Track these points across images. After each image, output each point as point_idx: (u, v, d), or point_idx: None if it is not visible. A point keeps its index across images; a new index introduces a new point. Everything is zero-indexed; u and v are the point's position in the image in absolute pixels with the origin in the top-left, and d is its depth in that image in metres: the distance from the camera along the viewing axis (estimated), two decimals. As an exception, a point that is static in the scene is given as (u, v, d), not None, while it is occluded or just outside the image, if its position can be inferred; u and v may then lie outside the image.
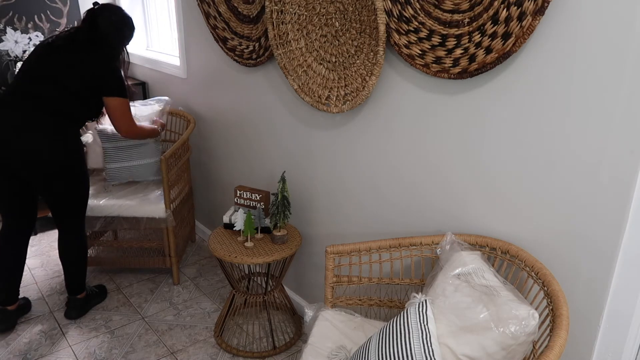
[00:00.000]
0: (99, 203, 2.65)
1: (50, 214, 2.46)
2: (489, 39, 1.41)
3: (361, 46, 1.79)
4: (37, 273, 2.94)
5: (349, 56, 1.85)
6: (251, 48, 2.37)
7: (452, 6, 1.48)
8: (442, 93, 1.64)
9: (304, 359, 1.60)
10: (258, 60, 2.35)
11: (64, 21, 3.53)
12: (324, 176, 2.23)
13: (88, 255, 2.56)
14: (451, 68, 1.53)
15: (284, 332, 2.44)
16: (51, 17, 3.48)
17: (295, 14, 1.98)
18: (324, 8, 1.89)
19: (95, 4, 2.35)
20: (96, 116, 2.44)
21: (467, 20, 1.45)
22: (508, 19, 1.35)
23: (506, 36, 1.37)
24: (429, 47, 1.57)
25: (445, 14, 1.50)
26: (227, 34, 2.50)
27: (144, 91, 3.61)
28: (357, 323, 1.76)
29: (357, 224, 2.12)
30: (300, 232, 2.41)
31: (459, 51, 1.50)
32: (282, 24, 2.03)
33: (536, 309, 1.33)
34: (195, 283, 2.87)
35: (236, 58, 2.49)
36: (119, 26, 2.36)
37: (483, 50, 1.43)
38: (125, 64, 2.46)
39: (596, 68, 1.26)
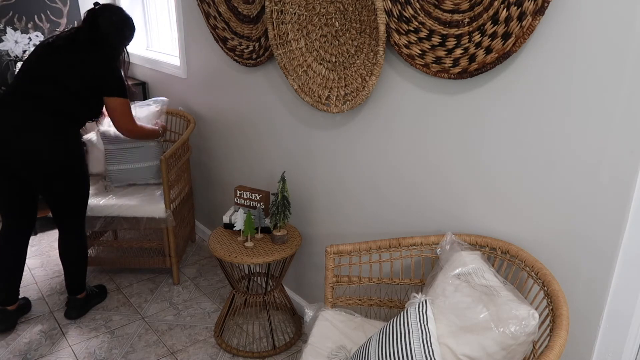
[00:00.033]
0: (99, 203, 2.65)
1: (50, 214, 2.46)
2: (489, 39, 1.41)
3: (361, 46, 1.79)
4: (37, 273, 2.94)
5: (349, 56, 1.85)
6: (251, 48, 2.37)
7: (452, 6, 1.48)
8: (442, 93, 1.64)
9: (304, 359, 1.60)
10: (258, 60, 2.35)
11: (64, 21, 3.53)
12: (324, 176, 2.23)
13: (88, 255, 2.56)
14: (451, 68, 1.53)
15: (284, 332, 2.44)
16: (51, 17, 3.48)
17: (295, 14, 1.98)
18: (324, 8, 1.89)
19: (96, 4, 2.35)
20: (96, 116, 2.44)
21: (467, 20, 1.45)
22: (508, 19, 1.35)
23: (506, 36, 1.37)
24: (429, 47, 1.57)
25: (445, 14, 1.50)
26: (227, 34, 2.50)
27: (144, 91, 3.61)
28: (357, 323, 1.76)
29: (357, 224, 2.12)
30: (300, 232, 2.41)
31: (459, 51, 1.50)
32: (282, 24, 2.03)
33: (536, 309, 1.33)
34: (195, 283, 2.87)
35: (236, 58, 2.49)
36: (120, 26, 2.36)
37: (483, 50, 1.43)
38: (126, 64, 2.46)
39: (596, 68, 1.26)
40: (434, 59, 1.57)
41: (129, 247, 2.97)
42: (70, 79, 2.22)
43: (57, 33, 2.37)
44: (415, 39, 1.60)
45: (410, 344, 1.31)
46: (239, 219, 2.22)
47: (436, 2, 1.52)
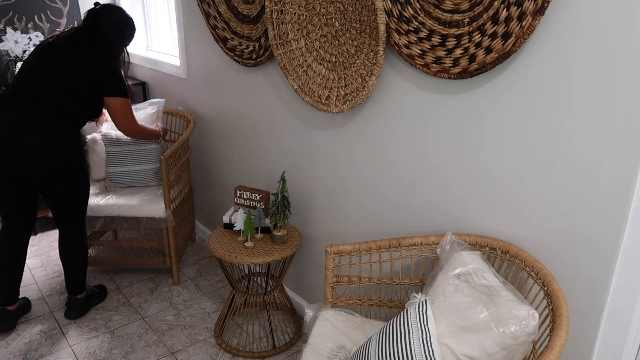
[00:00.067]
0: (99, 203, 2.65)
1: (50, 214, 2.46)
2: (489, 39, 1.41)
3: (361, 46, 1.79)
4: (37, 273, 2.94)
5: (349, 56, 1.85)
6: (251, 48, 2.37)
7: (452, 6, 1.48)
8: (442, 93, 1.64)
9: (304, 359, 1.60)
10: (258, 60, 2.35)
11: (64, 21, 3.53)
12: (324, 176, 2.23)
13: (88, 255, 2.56)
14: (451, 68, 1.53)
15: (284, 332, 2.44)
16: (51, 17, 3.48)
17: (295, 14, 1.98)
18: (324, 8, 1.89)
19: (96, 4, 2.35)
20: (97, 116, 2.44)
21: (467, 20, 1.45)
22: (508, 19, 1.35)
23: (506, 36, 1.37)
24: (429, 47, 1.57)
25: (445, 14, 1.50)
26: (227, 34, 2.50)
27: (144, 91, 3.61)
28: (357, 323, 1.76)
29: (357, 224, 2.12)
30: (300, 232, 2.41)
31: (459, 51, 1.50)
32: (282, 24, 2.03)
33: (536, 309, 1.33)
34: (195, 283, 2.87)
35: (236, 58, 2.49)
36: (120, 26, 2.36)
37: (483, 50, 1.43)
38: (126, 64, 2.46)
39: (596, 68, 1.26)
40: (434, 59, 1.57)
41: (129, 247, 2.97)
42: (71, 79, 2.22)
43: (57, 33, 2.37)
44: (415, 39, 1.60)
45: (410, 344, 1.31)
46: (239, 219, 2.22)
47: (436, 2, 1.52)
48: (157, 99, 3.05)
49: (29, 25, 3.40)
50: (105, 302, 2.69)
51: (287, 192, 2.17)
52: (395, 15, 1.64)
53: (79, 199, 2.38)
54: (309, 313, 1.82)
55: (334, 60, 1.92)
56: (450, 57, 1.53)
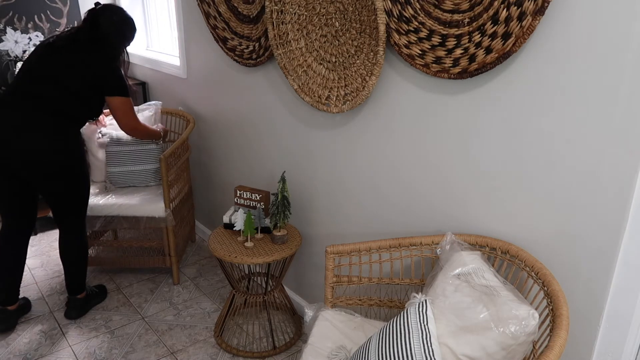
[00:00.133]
0: (99, 202, 2.65)
1: (50, 214, 2.46)
2: (489, 39, 1.41)
3: (361, 46, 1.79)
4: (37, 273, 2.94)
5: (349, 56, 1.85)
6: (251, 48, 2.37)
7: (452, 6, 1.48)
8: (442, 93, 1.64)
9: (304, 359, 1.60)
10: (258, 60, 2.35)
11: (64, 21, 3.53)
12: (324, 176, 2.23)
13: (88, 255, 2.56)
14: (451, 68, 1.53)
15: (284, 332, 2.44)
16: (51, 17, 3.48)
17: (295, 14, 1.98)
18: (324, 8, 1.89)
19: (96, 4, 2.35)
20: (96, 116, 2.44)
21: (467, 20, 1.45)
22: (508, 19, 1.35)
23: (506, 36, 1.37)
24: (429, 47, 1.57)
25: (445, 14, 1.50)
26: (227, 34, 2.50)
27: (144, 91, 3.61)
28: (357, 323, 1.76)
29: (357, 224, 2.12)
30: (300, 232, 2.41)
31: (459, 51, 1.50)
32: (282, 24, 2.03)
33: (536, 309, 1.33)
34: (195, 283, 2.87)
35: (236, 58, 2.49)
36: (120, 26, 2.36)
37: (483, 50, 1.43)
38: (125, 64, 2.46)
39: (596, 68, 1.26)
40: (434, 59, 1.57)
41: (129, 246, 2.97)
42: (71, 79, 2.22)
43: (57, 33, 2.37)
44: (415, 39, 1.60)
45: (410, 344, 1.31)
46: (239, 219, 2.22)
47: (436, 2, 1.52)
48: (154, 101, 3.05)
49: (29, 25, 3.40)
50: (105, 302, 2.69)
51: (287, 192, 2.17)
52: (395, 15, 1.64)
53: (79, 198, 2.38)
54: (309, 313, 1.82)
55: (334, 60, 1.92)
56: (450, 57, 1.53)
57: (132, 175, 2.81)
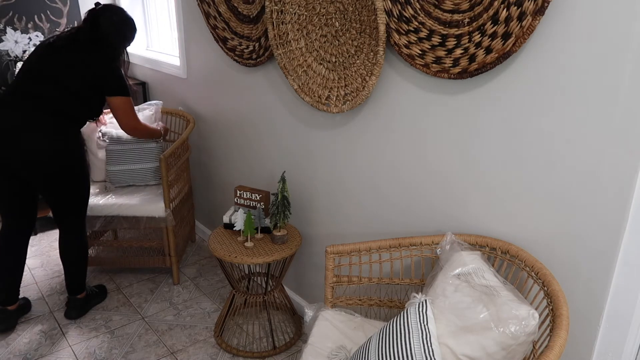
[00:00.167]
0: (99, 202, 2.65)
1: (50, 214, 2.46)
2: (489, 39, 1.41)
3: (361, 46, 1.79)
4: (37, 273, 2.94)
5: (349, 56, 1.85)
6: (251, 48, 2.37)
7: (452, 6, 1.48)
8: (442, 93, 1.64)
9: (304, 359, 1.60)
10: (258, 60, 2.35)
11: (64, 21, 3.53)
12: (324, 176, 2.23)
13: (88, 255, 2.56)
14: (451, 68, 1.53)
15: (284, 332, 2.44)
16: (51, 17, 3.48)
17: (295, 14, 1.98)
18: (324, 8, 1.89)
19: (97, 4, 2.35)
20: (97, 116, 2.45)
21: (467, 20, 1.45)
22: (508, 19, 1.35)
23: (506, 36, 1.37)
24: (429, 47, 1.57)
25: (445, 14, 1.50)
26: (227, 34, 2.50)
27: (144, 91, 3.61)
28: (357, 323, 1.76)
29: (357, 224, 2.12)
30: (300, 232, 2.41)
31: (459, 51, 1.50)
32: (282, 24, 2.03)
33: (536, 309, 1.33)
34: (195, 283, 2.87)
35: (236, 58, 2.49)
36: (120, 27, 2.36)
37: (483, 50, 1.43)
38: (125, 64, 2.46)
39: (596, 68, 1.26)
40: (434, 59, 1.57)
41: (129, 246, 2.97)
42: (71, 79, 2.22)
43: (57, 33, 2.37)
44: (415, 39, 1.60)
45: (410, 344, 1.31)
46: (239, 219, 2.22)
47: (436, 2, 1.52)
48: (154, 101, 3.05)
49: (29, 25, 3.40)
50: (105, 302, 2.69)
51: (287, 192, 2.17)
52: (395, 15, 1.64)
53: (79, 198, 2.38)
54: (309, 313, 1.82)
55: (334, 60, 1.92)
56: (450, 57, 1.53)
57: (131, 173, 2.81)
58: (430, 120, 1.71)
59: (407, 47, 1.64)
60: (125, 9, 2.44)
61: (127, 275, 2.94)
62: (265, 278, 2.28)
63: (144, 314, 2.60)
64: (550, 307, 1.32)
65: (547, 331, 1.29)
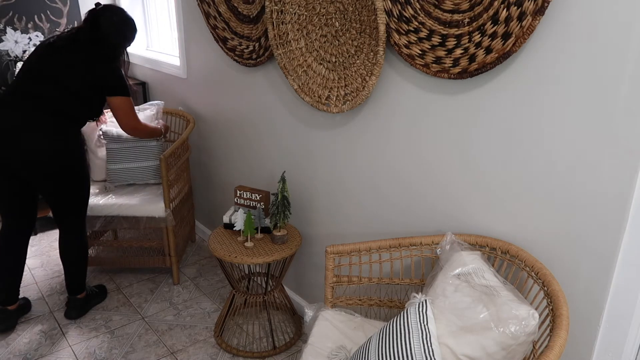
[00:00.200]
0: (99, 202, 2.65)
1: (50, 214, 2.46)
2: (489, 39, 1.41)
3: (361, 46, 1.79)
4: (37, 273, 2.94)
5: (349, 56, 1.85)
6: (251, 48, 2.37)
7: (452, 6, 1.48)
8: (442, 93, 1.64)
9: (304, 359, 1.60)
10: (258, 60, 2.35)
11: (64, 21, 3.53)
12: (324, 176, 2.23)
13: (88, 255, 2.56)
14: (451, 68, 1.53)
15: (284, 332, 2.44)
16: (51, 17, 3.48)
17: (295, 14, 1.98)
18: (324, 8, 1.89)
19: (97, 4, 2.35)
20: (97, 116, 2.44)
21: (467, 20, 1.45)
22: (508, 19, 1.35)
23: (506, 36, 1.37)
24: (429, 47, 1.57)
25: (445, 14, 1.50)
26: (227, 34, 2.50)
27: (144, 91, 3.61)
28: (357, 323, 1.76)
29: (357, 224, 2.12)
30: (300, 232, 2.41)
31: (459, 51, 1.50)
32: (282, 24, 2.03)
33: (536, 309, 1.33)
34: (195, 283, 2.87)
35: (236, 58, 2.49)
36: (121, 27, 2.36)
37: (483, 50, 1.43)
38: (126, 64, 2.46)
39: (596, 68, 1.26)
40: (434, 59, 1.57)
41: (129, 246, 2.97)
42: (71, 79, 2.22)
43: (58, 33, 2.37)
44: (415, 39, 1.60)
45: (410, 344, 1.31)
46: (239, 219, 2.22)
47: (436, 2, 1.52)
48: (156, 101, 3.06)
49: (29, 25, 3.40)
50: (105, 302, 2.69)
51: (287, 192, 2.17)
52: (395, 15, 1.64)
53: (79, 199, 2.38)
54: (309, 313, 1.82)
55: (334, 60, 1.92)
56: (450, 57, 1.53)
57: (132, 172, 2.81)
58: (430, 120, 1.71)
59: (407, 47, 1.64)
60: (125, 9, 2.44)
61: (127, 275, 2.94)
62: (265, 278, 2.28)
63: (144, 314, 2.60)
64: (550, 307, 1.32)
65: (547, 331, 1.29)
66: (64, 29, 2.94)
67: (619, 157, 1.26)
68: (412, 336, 1.32)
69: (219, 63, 2.72)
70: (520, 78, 1.42)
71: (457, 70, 1.52)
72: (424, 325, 1.33)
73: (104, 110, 2.88)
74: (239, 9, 2.37)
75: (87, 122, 2.42)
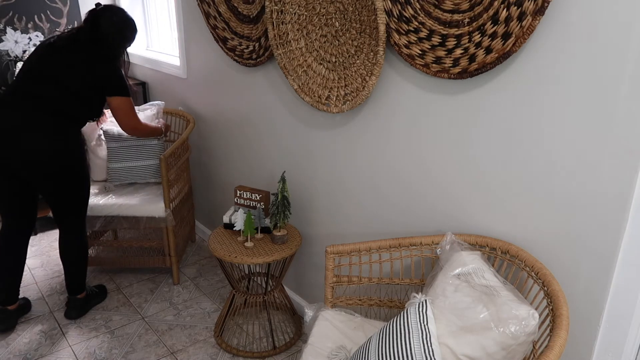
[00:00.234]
0: (99, 202, 2.65)
1: (50, 214, 2.46)
2: (489, 39, 1.41)
3: (361, 46, 1.79)
4: (37, 273, 2.94)
5: (349, 56, 1.85)
6: (251, 48, 2.37)
7: (452, 6, 1.48)
8: (442, 93, 1.64)
9: (304, 359, 1.60)
10: (258, 60, 2.35)
11: (64, 21, 3.53)
12: (324, 176, 2.23)
13: (88, 255, 2.56)
14: (451, 68, 1.53)
15: (284, 332, 2.44)
16: (51, 17, 3.48)
17: (295, 14, 1.98)
18: (324, 8, 1.89)
19: (97, 4, 2.35)
20: (97, 116, 2.44)
21: (467, 20, 1.45)
22: (508, 19, 1.35)
23: (506, 36, 1.37)
24: (429, 47, 1.57)
25: (445, 14, 1.50)
26: (227, 34, 2.50)
27: (144, 91, 3.61)
28: (357, 323, 1.76)
29: (357, 224, 2.12)
30: (300, 232, 2.41)
31: (459, 51, 1.50)
32: (282, 24, 2.03)
33: (536, 309, 1.33)
34: (195, 283, 2.87)
35: (236, 58, 2.49)
36: (121, 27, 2.36)
37: (483, 50, 1.43)
38: (126, 64, 2.46)
39: (596, 68, 1.26)
40: (434, 59, 1.57)
41: (129, 246, 2.97)
42: (71, 79, 2.22)
43: (58, 33, 2.37)
44: (415, 39, 1.60)
45: (410, 344, 1.31)
46: (239, 219, 2.22)
47: (436, 2, 1.52)
48: (156, 102, 3.06)
49: (29, 25, 3.40)
50: (105, 302, 2.69)
51: (287, 192, 2.17)
52: (395, 15, 1.64)
53: (79, 198, 2.38)
54: (309, 313, 1.82)
55: (334, 60, 1.92)
56: (450, 57, 1.53)
57: (133, 171, 2.81)
58: (430, 120, 1.71)
59: (407, 47, 1.64)
60: (125, 9, 2.44)
61: (127, 275, 2.94)
62: (265, 278, 2.28)
63: (144, 314, 2.60)
64: (550, 307, 1.32)
65: (547, 331, 1.29)
66: (64, 29, 2.94)
67: (619, 157, 1.26)
68: (412, 336, 1.32)
69: (219, 63, 2.72)
70: (520, 78, 1.42)
71: (457, 70, 1.52)
72: (424, 325, 1.33)
73: (105, 110, 2.88)
74: (239, 9, 2.37)
75: (88, 122, 2.43)
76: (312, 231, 2.38)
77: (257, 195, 2.30)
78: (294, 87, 2.07)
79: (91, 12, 2.32)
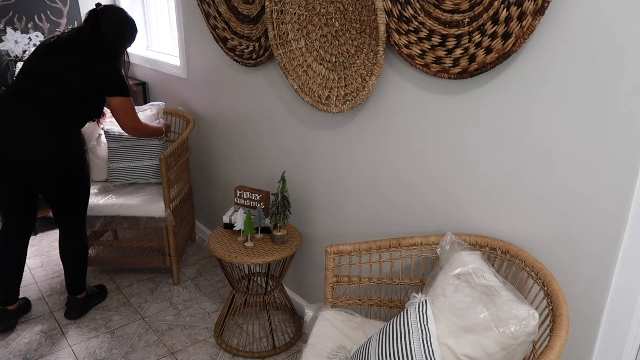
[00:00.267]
0: (99, 202, 2.65)
1: (50, 214, 2.46)
2: (489, 39, 1.41)
3: (361, 46, 1.79)
4: (37, 273, 2.94)
5: (349, 56, 1.85)
6: (251, 48, 2.37)
7: (452, 6, 1.48)
8: (442, 93, 1.64)
9: (304, 359, 1.60)
10: (258, 60, 2.35)
11: (64, 21, 3.53)
12: (324, 176, 2.23)
13: (88, 255, 2.56)
14: (451, 68, 1.53)
15: (284, 332, 2.44)
16: (51, 17, 3.48)
17: (295, 14, 1.98)
18: (324, 8, 1.89)
19: (97, 4, 2.35)
20: (97, 116, 2.45)
21: (467, 20, 1.45)
22: (508, 19, 1.35)
23: (506, 36, 1.37)
24: (429, 47, 1.57)
25: (445, 14, 1.50)
26: (227, 34, 2.50)
27: (144, 91, 3.61)
28: (357, 323, 1.76)
29: (357, 224, 2.12)
30: (300, 232, 2.41)
31: (459, 51, 1.50)
32: (282, 24, 2.03)
33: (536, 309, 1.33)
34: (195, 283, 2.87)
35: (236, 58, 2.49)
36: (121, 27, 2.36)
37: (483, 50, 1.43)
38: (126, 64, 2.46)
39: (596, 68, 1.26)
40: (434, 59, 1.57)
41: (129, 246, 2.97)
42: (71, 79, 2.22)
43: (58, 33, 2.37)
44: (415, 39, 1.60)
45: (410, 344, 1.31)
46: (239, 219, 2.22)
47: (436, 2, 1.52)
48: (157, 102, 3.06)
49: (29, 25, 3.40)
50: (105, 302, 2.69)
51: (287, 192, 2.17)
52: (395, 15, 1.64)
53: (79, 198, 2.38)
54: (309, 313, 1.82)
55: (334, 60, 1.92)
56: (450, 57, 1.53)
57: (133, 171, 2.81)
58: (430, 120, 1.71)
59: (407, 47, 1.64)
60: (125, 9, 2.44)
61: (127, 275, 2.94)
62: (265, 278, 2.28)
63: (144, 314, 2.60)
64: (550, 307, 1.32)
65: (547, 331, 1.29)
66: (64, 29, 2.94)
67: (619, 157, 1.26)
68: (412, 336, 1.32)
69: (219, 63, 2.72)
70: (520, 78, 1.42)
71: (457, 70, 1.52)
72: (424, 325, 1.33)
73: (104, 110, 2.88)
74: (239, 9, 2.37)
75: (88, 122, 2.43)
76: (312, 231, 2.38)
77: (257, 195, 2.30)
78: (294, 87, 2.07)
79: (91, 12, 2.32)
